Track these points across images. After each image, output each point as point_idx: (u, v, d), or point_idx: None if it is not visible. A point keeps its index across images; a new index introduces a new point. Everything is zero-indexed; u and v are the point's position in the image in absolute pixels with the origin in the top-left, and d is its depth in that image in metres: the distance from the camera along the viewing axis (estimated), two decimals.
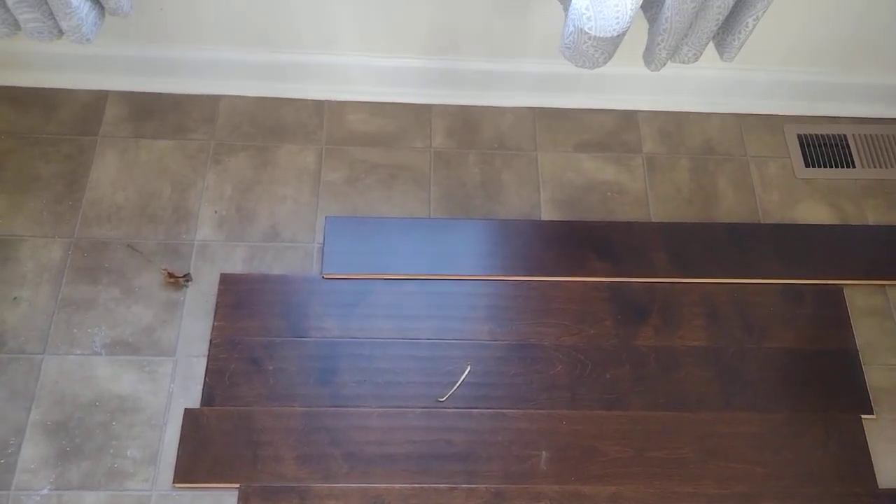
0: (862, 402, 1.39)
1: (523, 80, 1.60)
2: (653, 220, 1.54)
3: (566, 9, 1.20)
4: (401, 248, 1.45)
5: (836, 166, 1.61)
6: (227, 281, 1.40)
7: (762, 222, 1.55)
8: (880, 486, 1.32)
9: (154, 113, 1.56)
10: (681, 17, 1.10)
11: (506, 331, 1.40)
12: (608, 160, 1.60)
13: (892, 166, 1.62)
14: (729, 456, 1.32)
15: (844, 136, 1.64)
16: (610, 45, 1.17)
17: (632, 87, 1.61)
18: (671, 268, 1.48)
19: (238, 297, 1.38)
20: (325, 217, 1.48)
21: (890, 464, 1.34)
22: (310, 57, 1.54)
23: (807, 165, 1.61)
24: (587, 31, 1.13)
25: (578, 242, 1.49)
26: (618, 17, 1.10)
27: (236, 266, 1.42)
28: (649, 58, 1.22)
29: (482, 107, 1.63)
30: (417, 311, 1.40)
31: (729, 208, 1.57)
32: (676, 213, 1.55)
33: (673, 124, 1.65)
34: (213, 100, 1.58)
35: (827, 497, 1.29)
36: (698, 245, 1.51)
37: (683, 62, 1.23)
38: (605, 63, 1.21)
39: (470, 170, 1.57)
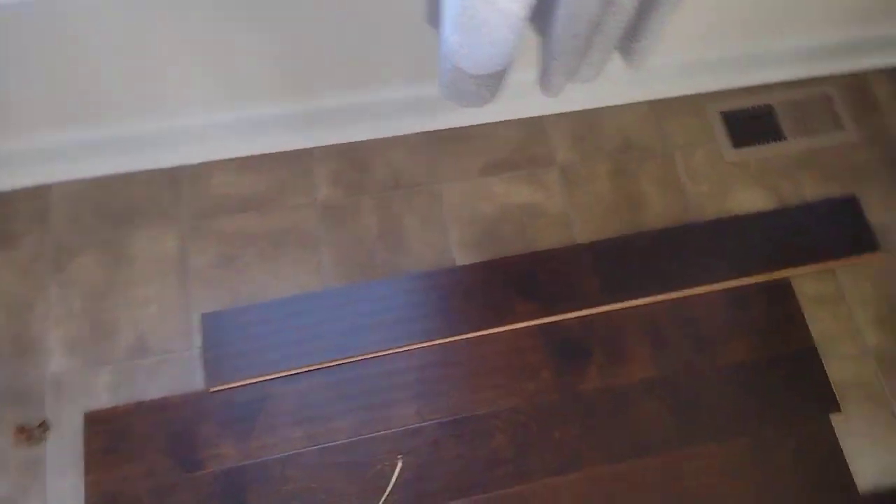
0: (828, 402, 1.28)
1: (410, 104, 1.37)
2: (578, 240, 1.37)
3: (440, 41, 0.98)
4: (295, 334, 1.24)
5: (766, 142, 1.46)
6: (93, 421, 1.16)
7: (695, 221, 1.40)
8: (861, 491, 1.22)
9: None
10: (576, 41, 0.90)
11: (435, 408, 1.22)
12: (520, 179, 1.40)
13: (822, 133, 1.48)
14: (701, 496, 1.20)
15: (770, 105, 1.49)
16: (495, 80, 0.95)
17: (534, 91, 1.40)
18: (605, 293, 1.31)
19: (110, 439, 1.15)
20: (201, 314, 1.24)
21: (865, 463, 1.24)
22: (151, 123, 1.27)
23: (735, 146, 1.46)
24: (464, 69, 0.91)
25: (500, 285, 1.31)
26: (495, 53, 0.88)
27: (101, 398, 1.18)
28: (545, 84, 1.01)
29: (370, 141, 1.40)
30: (329, 409, 1.20)
31: (658, 211, 1.40)
32: (603, 228, 1.38)
33: (584, 125, 1.46)
34: (42, 191, 1.30)
35: None
36: (631, 260, 1.34)
37: (584, 81, 1.03)
38: (493, 98, 1.00)
39: (365, 220, 1.35)
